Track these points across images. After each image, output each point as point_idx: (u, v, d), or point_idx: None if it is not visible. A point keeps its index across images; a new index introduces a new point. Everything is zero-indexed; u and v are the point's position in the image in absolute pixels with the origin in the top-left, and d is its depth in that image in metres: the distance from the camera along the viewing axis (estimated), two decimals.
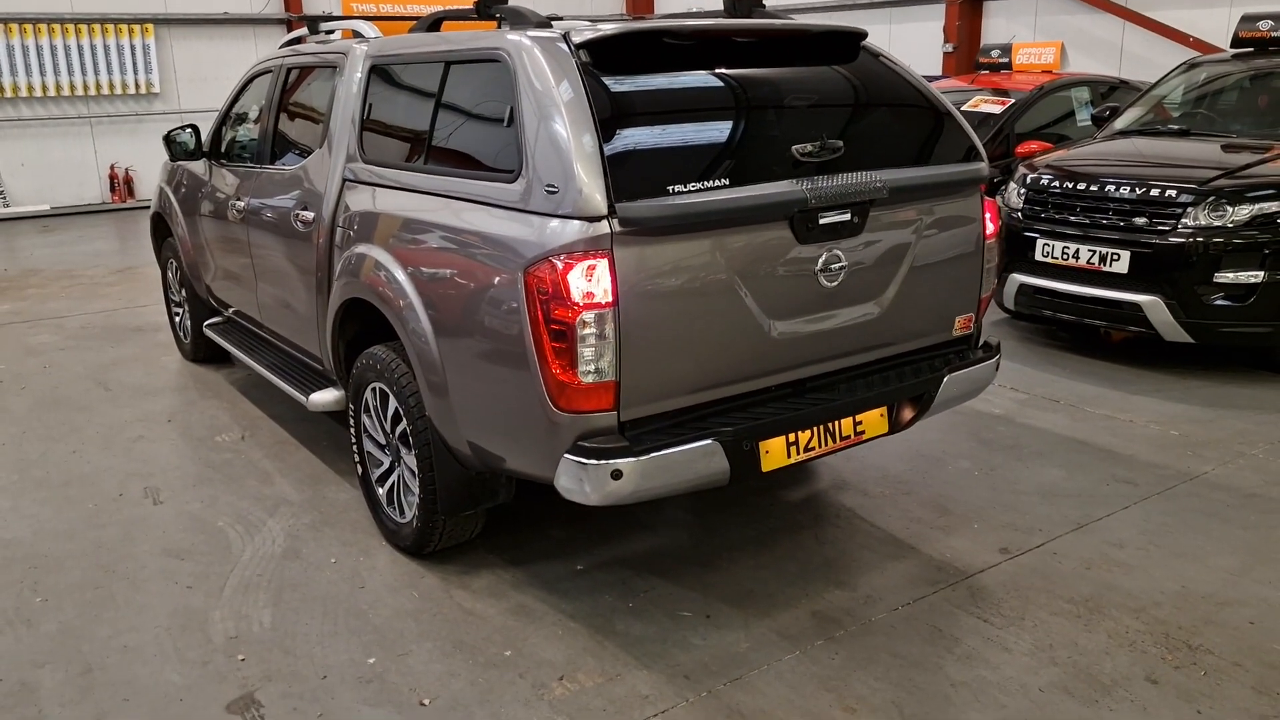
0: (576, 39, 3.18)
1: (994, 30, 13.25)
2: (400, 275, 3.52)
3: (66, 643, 3.31)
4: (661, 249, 3.00)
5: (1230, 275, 5.46)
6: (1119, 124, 7.16)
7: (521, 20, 3.43)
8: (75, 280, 9.13)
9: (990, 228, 3.82)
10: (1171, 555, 3.77)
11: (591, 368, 2.92)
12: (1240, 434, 4.94)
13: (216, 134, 5.49)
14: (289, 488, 4.47)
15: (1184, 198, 5.58)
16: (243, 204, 4.90)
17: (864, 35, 3.72)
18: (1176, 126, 6.88)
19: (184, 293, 6.11)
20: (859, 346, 3.53)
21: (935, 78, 11.12)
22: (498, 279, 3.10)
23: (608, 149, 2.95)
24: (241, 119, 5.36)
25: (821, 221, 3.26)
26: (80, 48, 13.34)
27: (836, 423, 3.38)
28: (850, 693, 3.00)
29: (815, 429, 3.33)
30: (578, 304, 2.87)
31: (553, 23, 3.39)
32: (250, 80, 5.30)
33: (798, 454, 3.30)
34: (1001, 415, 5.24)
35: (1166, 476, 4.46)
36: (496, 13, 3.62)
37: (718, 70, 3.40)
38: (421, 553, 3.76)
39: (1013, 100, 8.56)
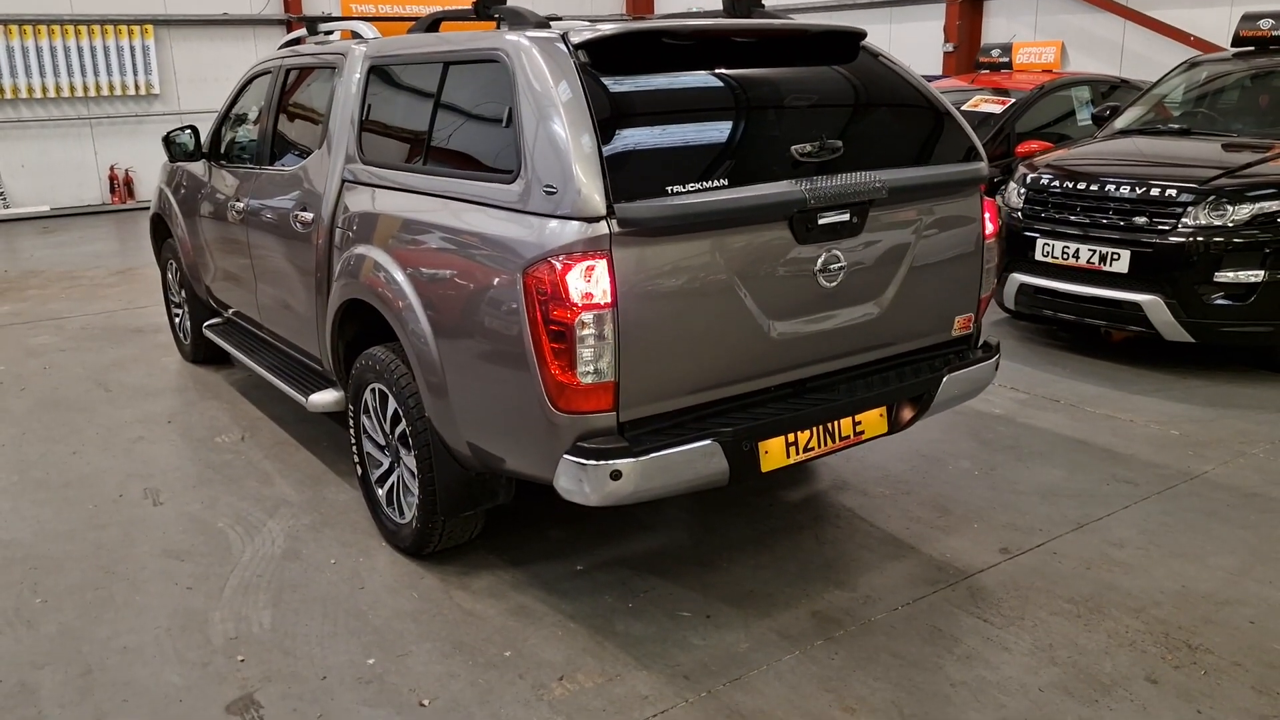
0: (575, 39, 3.17)
1: (994, 30, 13.24)
2: (399, 276, 3.52)
3: (66, 644, 3.31)
4: (660, 249, 3.00)
5: (1231, 274, 5.46)
6: (1119, 123, 7.16)
7: (520, 20, 3.43)
8: (75, 281, 9.13)
9: (990, 228, 3.81)
10: (1171, 555, 3.77)
11: (590, 368, 2.92)
12: (1241, 433, 4.94)
13: (216, 135, 5.49)
14: (289, 489, 4.47)
15: (1184, 197, 5.57)
16: (242, 205, 4.90)
17: (863, 35, 3.72)
18: (1177, 126, 6.87)
19: (184, 294, 6.11)
20: (858, 347, 3.53)
21: (935, 77, 11.13)
22: (497, 280, 3.10)
23: (606, 149, 2.95)
24: (241, 120, 5.36)
25: (821, 222, 3.26)
26: (80, 49, 13.34)
27: (836, 423, 3.38)
28: (850, 693, 2.99)
29: (815, 429, 3.33)
30: (577, 305, 2.87)
31: (551, 23, 3.39)
32: (249, 81, 5.30)
33: (797, 454, 3.30)
34: (1002, 415, 5.23)
35: (1167, 476, 4.46)
36: (495, 13, 3.62)
37: (717, 70, 3.39)
38: (421, 553, 3.76)
39: (1013, 100, 8.55)
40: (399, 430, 3.67)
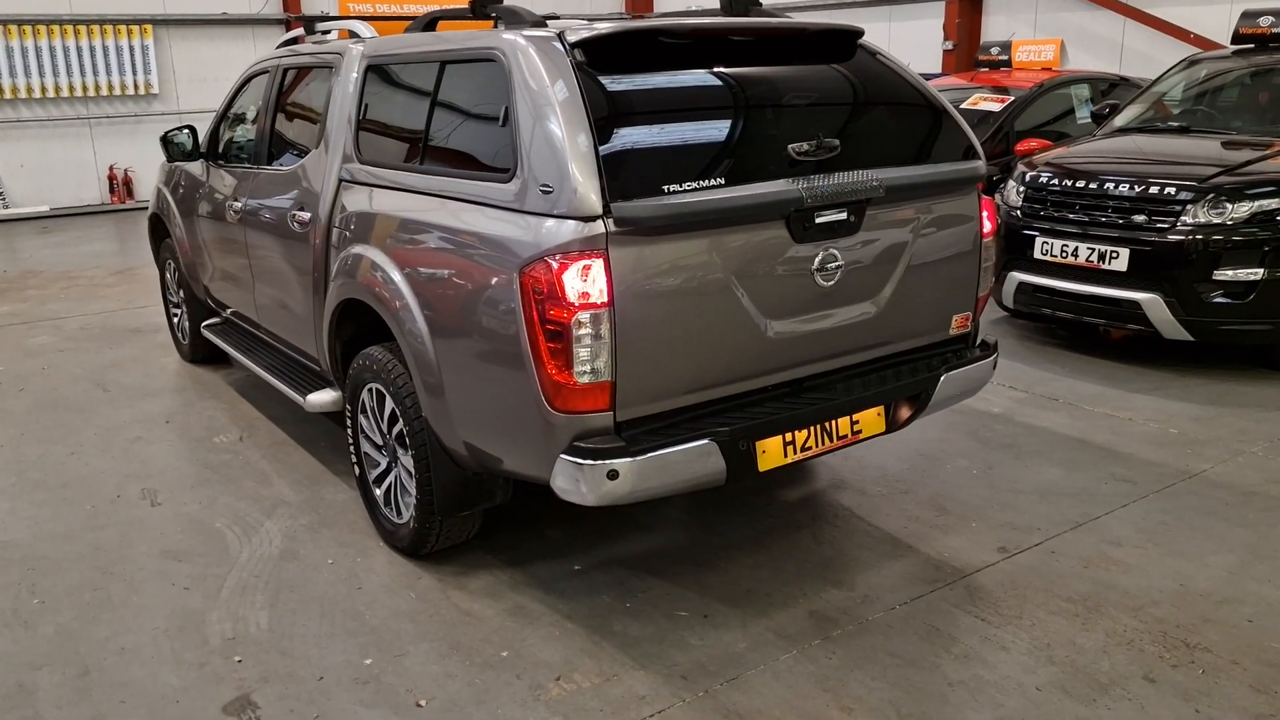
0: (572, 38, 3.17)
1: (994, 28, 13.24)
2: (396, 276, 3.52)
3: (64, 644, 3.31)
4: (657, 249, 2.99)
5: (1230, 273, 5.45)
6: (1119, 121, 7.15)
7: (517, 19, 3.42)
8: (74, 281, 9.13)
9: (988, 226, 3.81)
10: (1170, 553, 3.77)
11: (587, 368, 2.91)
12: (1239, 432, 4.93)
13: (214, 135, 5.49)
14: (287, 489, 4.47)
15: (1184, 195, 5.57)
16: (240, 205, 4.90)
17: (861, 33, 3.71)
18: (1176, 124, 6.86)
19: (182, 294, 6.11)
20: (856, 346, 3.53)
21: (935, 75, 11.12)
22: (493, 279, 3.10)
23: (603, 148, 2.95)
24: (239, 120, 5.36)
25: (818, 221, 3.25)
26: (79, 49, 13.33)
27: (833, 422, 3.38)
28: (847, 692, 2.99)
29: (812, 428, 3.32)
30: (573, 304, 2.86)
31: (548, 22, 3.39)
32: (247, 81, 5.30)
33: (795, 453, 3.29)
34: (1000, 414, 5.23)
35: (1165, 475, 4.46)
36: (492, 12, 3.61)
37: (714, 69, 3.39)
38: (418, 553, 3.76)
39: (1012, 98, 8.55)
40: (396, 430, 3.67)
